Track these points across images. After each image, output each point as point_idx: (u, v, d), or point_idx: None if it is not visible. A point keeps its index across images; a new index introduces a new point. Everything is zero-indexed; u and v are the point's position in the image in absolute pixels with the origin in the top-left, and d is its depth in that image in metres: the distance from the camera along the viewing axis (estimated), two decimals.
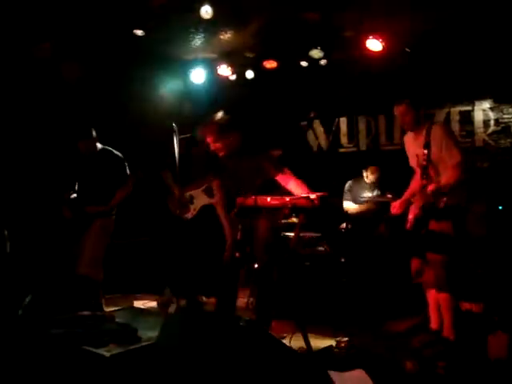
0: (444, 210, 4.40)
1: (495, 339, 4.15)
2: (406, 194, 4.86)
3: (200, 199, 6.14)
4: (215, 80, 7.83)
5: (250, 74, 7.64)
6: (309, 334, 4.19)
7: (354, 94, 7.46)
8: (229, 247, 4.75)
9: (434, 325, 4.72)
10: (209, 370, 3.04)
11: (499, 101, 6.55)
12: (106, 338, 3.62)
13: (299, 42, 6.90)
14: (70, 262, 5.59)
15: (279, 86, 8.17)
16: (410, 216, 4.60)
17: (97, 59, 6.60)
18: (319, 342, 4.56)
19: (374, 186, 6.83)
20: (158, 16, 5.93)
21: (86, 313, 4.11)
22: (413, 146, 4.75)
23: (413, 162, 4.80)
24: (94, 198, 5.54)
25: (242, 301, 6.00)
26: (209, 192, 5.92)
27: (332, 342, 4.57)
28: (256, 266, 5.03)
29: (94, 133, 5.59)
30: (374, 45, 6.41)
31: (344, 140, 8.10)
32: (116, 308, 5.31)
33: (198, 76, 7.81)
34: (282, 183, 4.63)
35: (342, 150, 8.13)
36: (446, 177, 4.40)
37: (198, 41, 7.02)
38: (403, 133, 7.25)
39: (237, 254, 4.58)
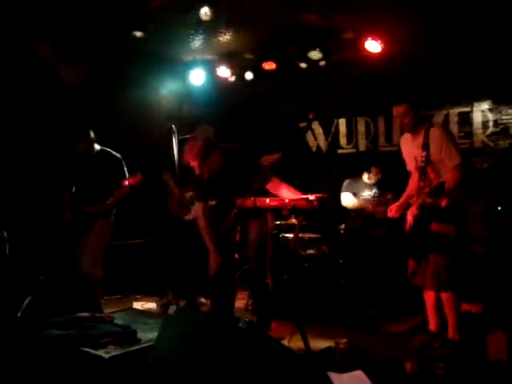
0: (445, 211, 4.40)
1: (495, 340, 4.15)
2: (403, 198, 4.85)
3: None
4: (214, 81, 7.84)
5: (249, 76, 7.65)
6: (308, 335, 4.19)
7: (352, 96, 7.46)
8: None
9: (432, 326, 4.72)
10: (208, 371, 3.04)
11: (498, 102, 6.55)
12: (105, 339, 3.61)
13: (298, 43, 6.92)
14: (69, 262, 5.63)
15: (278, 87, 8.20)
16: (409, 217, 4.59)
17: (95, 60, 6.60)
18: (318, 343, 4.56)
19: (373, 185, 6.82)
20: (158, 17, 5.94)
21: (84, 314, 4.11)
22: (410, 148, 4.74)
23: (410, 165, 4.79)
24: (93, 198, 5.58)
25: (241, 302, 6.01)
26: None
27: (331, 343, 4.58)
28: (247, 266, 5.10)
29: (91, 134, 5.62)
30: (373, 46, 6.42)
31: (343, 141, 8.10)
32: (115, 309, 5.31)
33: (197, 77, 7.82)
34: (272, 191, 4.62)
35: (340, 151, 8.13)
36: (446, 179, 4.40)
37: (197, 42, 7.04)
38: (402, 134, 7.33)
39: (236, 256, 4.59)
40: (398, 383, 3.94)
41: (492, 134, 6.60)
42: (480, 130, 6.69)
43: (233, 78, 7.71)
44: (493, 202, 6.01)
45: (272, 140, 7.12)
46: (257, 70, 7.52)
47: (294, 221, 6.23)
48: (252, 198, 4.31)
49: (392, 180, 6.53)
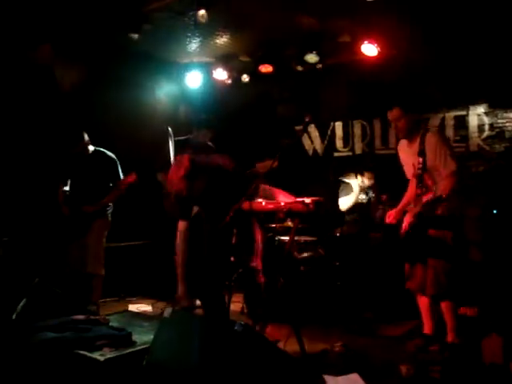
0: (442, 219, 4.39)
1: (490, 343, 4.15)
2: (402, 204, 4.84)
3: None
4: (211, 84, 7.85)
5: (245, 78, 7.66)
6: (304, 338, 4.19)
7: (349, 99, 7.47)
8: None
9: (427, 329, 4.73)
10: (204, 375, 3.04)
11: (494, 106, 6.56)
12: (100, 341, 3.60)
13: (295, 46, 6.93)
14: (66, 263, 5.65)
15: (275, 90, 8.22)
16: (405, 224, 4.59)
17: (92, 62, 6.59)
18: (314, 346, 4.56)
19: (368, 188, 6.83)
20: (154, 19, 5.94)
21: (80, 316, 4.09)
22: (407, 154, 4.74)
23: (408, 172, 4.78)
24: (89, 198, 5.64)
25: (237, 305, 6.00)
26: None
27: (327, 346, 4.58)
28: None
29: (85, 136, 5.68)
30: (370, 50, 6.43)
31: (339, 144, 8.10)
32: (111, 312, 5.29)
33: (193, 80, 7.82)
34: (263, 198, 4.63)
35: (337, 154, 8.14)
36: (442, 186, 4.39)
37: (194, 45, 7.05)
38: (397, 138, 7.34)
39: (231, 259, 4.59)
40: None
41: (488, 137, 6.61)
42: (476, 134, 6.70)
43: (229, 81, 7.71)
44: (489, 206, 6.01)
45: (268, 143, 7.17)
46: (253, 73, 7.53)
47: (289, 224, 6.22)
48: (248, 201, 4.31)
49: (388, 183, 6.54)
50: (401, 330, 5.32)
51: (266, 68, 7.28)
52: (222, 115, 7.55)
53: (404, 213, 4.70)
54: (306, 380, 3.68)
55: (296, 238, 6.13)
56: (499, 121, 6.51)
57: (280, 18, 6.00)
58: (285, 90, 8.29)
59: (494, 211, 5.97)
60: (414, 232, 4.46)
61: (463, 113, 6.82)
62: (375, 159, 7.32)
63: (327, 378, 3.80)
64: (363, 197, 6.79)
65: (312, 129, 8.27)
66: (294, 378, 3.31)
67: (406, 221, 4.57)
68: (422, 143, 4.49)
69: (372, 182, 6.80)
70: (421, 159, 4.47)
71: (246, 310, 5.85)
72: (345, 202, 6.87)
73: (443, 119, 6.96)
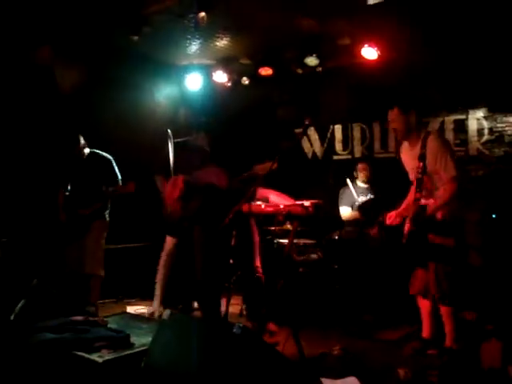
0: (442, 224, 4.38)
1: (489, 347, 4.14)
2: (403, 206, 4.81)
3: None
4: (211, 86, 7.85)
5: (245, 81, 7.66)
6: (302, 341, 4.19)
7: (348, 102, 7.47)
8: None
9: (425, 333, 4.72)
10: (202, 377, 3.04)
11: (493, 110, 6.56)
12: (99, 343, 3.60)
13: (295, 49, 6.94)
14: (65, 265, 5.67)
15: (275, 92, 8.22)
16: (405, 230, 4.56)
17: (91, 64, 6.59)
18: (312, 349, 4.54)
19: (368, 190, 6.84)
20: (154, 22, 5.94)
21: (78, 318, 4.09)
22: (409, 157, 4.70)
23: (410, 175, 4.75)
24: (86, 200, 5.71)
25: (235, 307, 6.01)
26: None
27: (325, 349, 4.57)
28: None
29: (81, 140, 5.76)
30: (370, 53, 6.44)
31: (339, 147, 8.11)
32: (109, 313, 5.29)
33: (193, 82, 7.83)
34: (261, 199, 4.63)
35: (336, 157, 8.14)
36: (442, 191, 4.38)
37: (193, 47, 7.05)
38: (398, 140, 7.34)
39: (230, 261, 4.58)
40: None
41: (487, 141, 6.62)
42: (475, 138, 6.71)
43: (229, 84, 7.72)
44: (488, 210, 6.01)
45: (267, 146, 7.16)
46: (253, 76, 7.53)
47: (288, 226, 6.23)
48: (247, 204, 4.31)
49: (387, 187, 6.55)
50: (399, 333, 5.31)
51: (265, 71, 7.29)
52: (222, 118, 7.57)
53: (405, 218, 4.69)
54: (304, 383, 3.68)
55: (295, 241, 6.14)
56: (498, 125, 6.52)
57: (280, 20, 6.00)
58: (285, 93, 8.30)
59: (494, 215, 5.98)
60: (415, 237, 4.45)
61: (463, 117, 6.83)
62: (374, 163, 7.31)
63: (325, 381, 3.80)
64: (363, 198, 6.79)
65: (311, 132, 8.27)
66: (292, 380, 3.31)
67: (407, 226, 4.56)
68: (424, 147, 4.44)
69: (366, 173, 6.81)
70: (421, 164, 4.43)
71: (244, 312, 5.85)
72: (346, 212, 6.88)
73: (443, 123, 6.97)
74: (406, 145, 4.76)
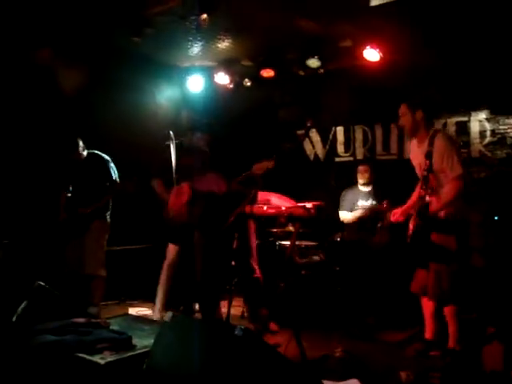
0: (445, 222, 4.38)
1: (491, 350, 4.14)
2: (408, 203, 4.82)
3: None
4: (213, 88, 7.85)
5: (247, 83, 7.66)
6: (304, 343, 4.18)
7: (350, 104, 7.47)
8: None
9: (428, 334, 4.72)
10: (204, 379, 3.04)
11: (495, 112, 6.56)
12: (101, 345, 3.59)
13: (297, 51, 6.94)
14: (65, 265, 5.68)
15: (276, 94, 8.23)
16: (411, 227, 4.57)
17: (93, 66, 6.60)
18: (314, 351, 4.53)
19: (369, 194, 6.83)
20: (156, 23, 5.95)
21: (80, 320, 4.08)
22: (416, 154, 4.72)
23: (418, 171, 4.77)
24: (86, 201, 5.73)
25: (237, 309, 6.00)
26: None
27: (327, 351, 4.56)
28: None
29: (80, 143, 5.80)
30: (371, 55, 6.44)
31: (340, 149, 8.10)
32: (111, 315, 5.29)
33: (195, 84, 7.83)
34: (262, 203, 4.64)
35: (338, 159, 8.14)
36: (446, 189, 4.38)
37: (195, 49, 7.06)
38: (400, 142, 7.34)
39: (232, 263, 4.58)
40: None
41: (489, 143, 6.61)
42: (477, 140, 6.70)
43: (231, 85, 7.72)
44: (490, 212, 6.01)
45: (269, 148, 7.13)
46: (255, 77, 7.53)
47: (290, 228, 6.22)
48: (249, 206, 4.31)
49: (389, 189, 6.54)
50: (401, 335, 5.31)
51: (267, 72, 7.29)
52: (224, 120, 7.56)
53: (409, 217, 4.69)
54: None
55: (297, 243, 6.13)
56: (501, 127, 6.51)
57: (282, 22, 6.01)
58: (286, 95, 8.30)
59: (496, 217, 5.97)
60: (419, 235, 4.44)
61: (465, 119, 6.82)
62: (376, 165, 7.31)
63: (327, 383, 3.79)
64: (364, 203, 6.79)
65: (313, 133, 8.27)
66: (294, 382, 3.30)
67: (412, 224, 4.57)
68: (431, 145, 4.47)
69: (368, 175, 6.81)
70: (428, 161, 4.45)
71: (246, 314, 5.85)
72: (345, 217, 6.88)
73: (445, 125, 6.96)
74: (414, 141, 4.78)
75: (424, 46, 6.17)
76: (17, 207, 5.99)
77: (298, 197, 4.81)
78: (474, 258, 5.52)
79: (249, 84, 7.69)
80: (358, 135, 7.89)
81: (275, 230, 6.42)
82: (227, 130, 7.03)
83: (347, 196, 6.94)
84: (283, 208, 4.27)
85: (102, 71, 6.71)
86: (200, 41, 6.77)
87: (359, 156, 7.89)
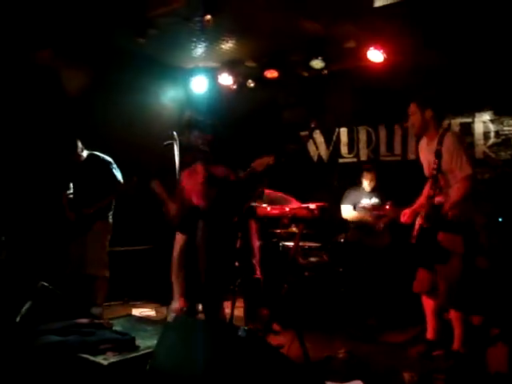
0: (453, 223, 4.36)
1: (495, 352, 4.12)
2: (418, 203, 4.79)
3: None
4: (216, 89, 7.86)
5: (251, 84, 7.67)
6: (307, 344, 4.17)
7: (354, 105, 7.46)
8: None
9: (430, 334, 4.71)
10: (207, 380, 3.03)
11: (499, 113, 6.54)
12: (104, 346, 3.60)
13: (300, 52, 6.94)
14: (68, 265, 5.68)
15: (280, 95, 8.23)
16: (416, 227, 4.55)
17: (96, 66, 6.61)
18: (317, 353, 4.53)
19: (373, 194, 6.82)
20: (160, 24, 5.96)
21: (83, 320, 4.09)
22: (425, 153, 4.70)
23: (426, 171, 4.74)
24: (87, 201, 5.73)
25: (240, 310, 5.99)
26: None
27: (330, 353, 4.56)
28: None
29: (79, 144, 5.81)
30: (375, 56, 6.43)
31: (344, 150, 8.09)
32: (114, 316, 5.30)
33: (199, 85, 7.84)
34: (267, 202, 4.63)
35: (342, 160, 8.13)
36: (455, 189, 4.36)
37: (199, 50, 7.07)
38: (404, 143, 7.33)
39: (236, 263, 4.58)
40: None
41: (493, 144, 6.59)
42: (481, 141, 6.68)
43: (235, 86, 7.72)
44: (494, 213, 5.99)
45: (273, 149, 7.12)
46: (259, 78, 7.53)
47: (294, 229, 6.22)
48: (253, 206, 4.31)
49: (393, 190, 6.53)
50: (404, 336, 5.30)
51: (271, 73, 7.29)
52: (228, 121, 7.56)
53: (417, 214, 4.67)
54: None
55: (300, 244, 6.13)
56: (505, 128, 6.49)
57: (286, 23, 6.01)
58: (290, 96, 8.30)
59: (500, 219, 5.95)
60: (424, 235, 4.43)
61: (469, 120, 6.80)
62: (380, 166, 7.30)
63: None
64: (368, 202, 6.78)
65: (317, 134, 8.26)
66: None
67: (418, 223, 4.55)
68: (440, 144, 4.44)
69: (373, 183, 6.79)
70: (436, 160, 4.43)
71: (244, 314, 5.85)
72: (347, 211, 6.86)
73: (449, 126, 6.93)
74: (424, 140, 4.76)
75: (428, 47, 6.16)
76: (18, 207, 6.00)
77: (301, 198, 4.81)
78: (478, 260, 5.51)
79: (252, 85, 7.70)
80: (362, 136, 7.88)
81: (279, 231, 6.41)
82: (231, 130, 7.04)
83: (351, 194, 6.92)
84: (287, 209, 4.25)
85: (105, 72, 6.72)
86: (204, 42, 6.77)
87: (363, 157, 7.89)
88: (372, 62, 6.52)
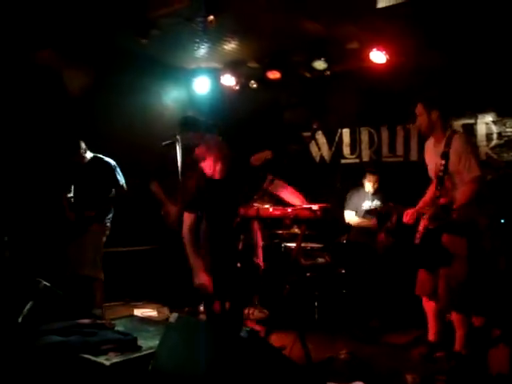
0: (458, 225, 4.34)
1: (497, 353, 4.12)
2: (421, 204, 4.78)
3: None
4: (219, 90, 7.86)
5: (253, 85, 7.67)
6: (309, 345, 4.17)
7: (356, 106, 7.46)
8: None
9: (431, 335, 4.70)
10: (209, 381, 3.03)
11: (502, 114, 6.53)
12: (106, 346, 3.59)
13: (303, 52, 6.94)
14: (67, 266, 5.69)
15: (283, 96, 8.23)
16: (420, 228, 4.53)
17: (98, 67, 6.62)
18: (319, 354, 4.53)
19: (375, 196, 6.82)
20: (163, 25, 5.96)
21: (85, 320, 4.09)
22: (432, 154, 4.68)
23: (431, 172, 4.73)
24: (89, 204, 5.77)
25: None
26: None
27: (332, 354, 4.56)
28: None
29: (82, 145, 5.84)
30: (378, 57, 6.43)
31: (346, 151, 8.09)
32: (116, 316, 5.30)
33: (201, 86, 7.85)
34: (274, 192, 4.60)
35: (344, 161, 8.12)
36: (461, 191, 4.34)
37: (202, 50, 7.08)
38: (406, 144, 7.32)
39: (238, 265, 4.57)
40: None
41: (496, 146, 6.59)
42: (484, 143, 6.67)
43: (237, 87, 7.73)
44: (497, 215, 5.98)
45: (275, 149, 7.10)
46: (261, 79, 7.54)
47: (296, 230, 6.22)
48: (255, 207, 4.31)
49: (395, 191, 6.53)
50: (406, 338, 5.30)
51: (273, 74, 7.29)
52: (230, 121, 7.57)
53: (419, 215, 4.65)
54: None
55: (302, 245, 6.13)
56: (507, 130, 6.49)
57: (288, 24, 6.01)
58: (292, 97, 8.30)
59: (502, 220, 5.94)
60: (428, 236, 4.42)
61: (471, 121, 6.79)
62: (382, 167, 7.29)
63: None
64: (369, 204, 6.78)
65: (319, 135, 8.26)
66: None
67: (423, 223, 4.52)
68: (448, 145, 4.43)
69: (376, 185, 6.79)
70: (443, 161, 4.41)
71: (251, 316, 5.84)
72: (350, 217, 6.87)
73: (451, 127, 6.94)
74: (431, 141, 4.75)
75: (430, 48, 6.16)
76: (20, 207, 6.01)
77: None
78: (480, 261, 5.50)
79: (255, 86, 7.70)
80: (364, 137, 7.88)
81: (281, 232, 6.41)
82: (233, 131, 7.03)
83: (353, 197, 6.93)
84: (289, 210, 4.25)
85: (107, 73, 6.73)
86: (206, 43, 6.78)
87: (365, 158, 7.89)
88: (374, 63, 6.52)
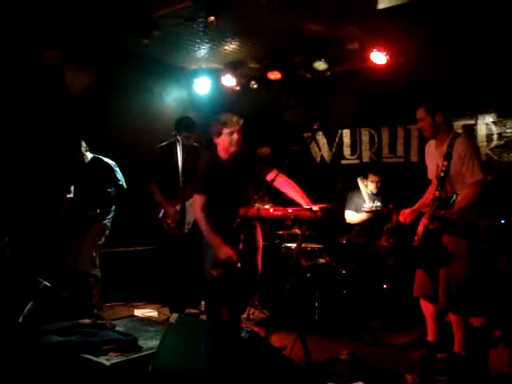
0: (458, 226, 4.34)
1: (497, 353, 4.12)
2: (419, 204, 4.78)
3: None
4: (219, 90, 7.87)
5: (254, 85, 7.68)
6: (309, 346, 4.18)
7: (357, 106, 7.46)
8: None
9: (430, 336, 4.70)
10: (209, 381, 3.04)
11: (503, 115, 6.53)
12: (106, 346, 3.60)
13: (303, 53, 6.95)
14: (67, 264, 5.71)
15: (283, 96, 8.23)
16: (420, 228, 4.53)
17: (100, 67, 6.63)
18: (320, 354, 4.53)
19: (375, 196, 6.82)
20: (164, 25, 5.97)
21: (86, 321, 4.10)
22: (433, 155, 4.68)
23: (431, 172, 4.73)
24: (90, 203, 5.76)
25: None
26: None
27: (332, 355, 4.56)
28: None
29: (83, 144, 5.84)
30: (378, 58, 6.43)
31: (347, 152, 8.09)
32: (117, 316, 5.30)
33: (202, 86, 7.85)
34: (278, 186, 4.62)
35: (344, 161, 8.12)
36: (463, 194, 4.30)
37: (203, 51, 7.08)
38: (406, 145, 7.32)
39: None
40: None
41: (496, 147, 6.58)
42: (484, 143, 6.67)
43: (238, 87, 7.73)
44: (497, 216, 5.98)
45: (276, 150, 7.15)
46: (262, 80, 7.55)
47: (297, 231, 6.22)
48: (256, 208, 4.31)
49: (395, 191, 6.53)
50: (407, 338, 5.30)
51: (274, 75, 7.30)
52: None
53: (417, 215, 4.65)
54: None
55: (303, 245, 6.13)
56: (508, 130, 6.48)
57: (289, 25, 6.02)
58: (293, 97, 8.31)
59: (503, 221, 5.95)
60: (428, 236, 4.42)
61: (471, 122, 6.79)
62: (383, 167, 7.29)
63: None
64: (370, 205, 6.78)
65: (320, 136, 8.26)
66: None
67: (422, 224, 4.52)
68: (451, 147, 4.42)
69: (379, 185, 6.78)
70: (446, 163, 4.40)
71: (252, 316, 5.84)
72: (351, 216, 6.86)
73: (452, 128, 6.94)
74: (432, 143, 4.74)
75: (431, 49, 6.16)
76: (20, 207, 6.02)
77: None
78: (480, 262, 5.51)
79: (255, 86, 7.71)
80: (365, 138, 7.88)
81: (281, 232, 6.42)
82: None
83: (353, 197, 6.92)
84: (290, 210, 4.25)
85: (109, 73, 6.74)
86: (207, 43, 6.79)
87: (365, 159, 7.88)
88: (375, 64, 6.52)
